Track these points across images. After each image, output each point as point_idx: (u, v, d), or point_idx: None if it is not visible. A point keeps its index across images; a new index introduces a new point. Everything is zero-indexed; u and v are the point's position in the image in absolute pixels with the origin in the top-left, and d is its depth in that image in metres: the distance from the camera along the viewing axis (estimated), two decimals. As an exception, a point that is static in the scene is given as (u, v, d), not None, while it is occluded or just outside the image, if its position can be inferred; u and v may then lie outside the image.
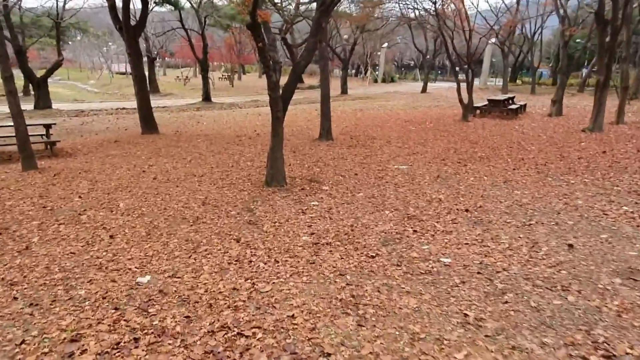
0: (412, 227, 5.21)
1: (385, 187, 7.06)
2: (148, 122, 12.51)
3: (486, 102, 18.12)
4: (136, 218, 5.61)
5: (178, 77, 46.11)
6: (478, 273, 3.87)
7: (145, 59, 33.09)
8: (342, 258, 4.34)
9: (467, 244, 4.61)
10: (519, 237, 4.77)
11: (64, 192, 6.82)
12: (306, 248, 4.62)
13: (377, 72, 49.88)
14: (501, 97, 18.26)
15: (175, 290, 3.71)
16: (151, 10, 28.63)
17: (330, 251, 4.54)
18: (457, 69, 18.92)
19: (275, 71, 6.47)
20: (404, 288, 3.62)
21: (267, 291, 3.66)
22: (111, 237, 4.99)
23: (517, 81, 44.46)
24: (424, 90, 34.73)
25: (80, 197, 6.56)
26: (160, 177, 7.76)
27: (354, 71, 59.04)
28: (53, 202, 6.27)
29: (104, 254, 4.52)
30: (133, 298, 3.59)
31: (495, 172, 8.03)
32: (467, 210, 5.80)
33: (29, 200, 6.39)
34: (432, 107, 22.37)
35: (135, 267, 4.18)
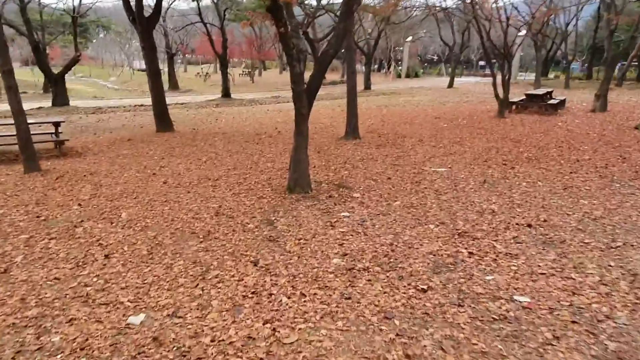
0: (465, 248, 4.28)
1: (424, 195, 6.13)
2: (163, 120, 11.81)
3: (522, 97, 16.90)
4: (138, 232, 4.82)
5: (198, 73, 45.80)
6: (573, 322, 2.93)
7: (164, 55, 32.72)
8: (384, 292, 3.45)
9: (543, 273, 3.66)
10: (610, 265, 3.79)
11: (63, 198, 6.10)
12: (339, 275, 3.75)
13: (400, 67, 48.60)
14: (540, 91, 17.01)
15: (174, 338, 2.89)
16: (170, 5, 28.14)
17: (369, 280, 3.65)
18: (492, 61, 17.66)
19: (299, 61, 5.60)
20: (476, 345, 2.71)
21: (292, 342, 2.80)
22: (106, 256, 4.20)
23: (549, 75, 42.61)
24: (450, 85, 33.43)
25: (80, 204, 5.82)
26: (170, 181, 6.98)
27: (376, 66, 57.82)
28: (49, 211, 5.54)
29: (95, 280, 3.74)
30: (119, 349, 2.77)
31: (550, 176, 7.00)
32: (529, 226, 4.83)
33: (23, 208, 5.68)
34: (462, 102, 21.19)
35: (129, 301, 3.37)
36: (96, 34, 63.18)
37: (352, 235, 4.66)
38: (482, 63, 64.74)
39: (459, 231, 4.69)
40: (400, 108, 18.84)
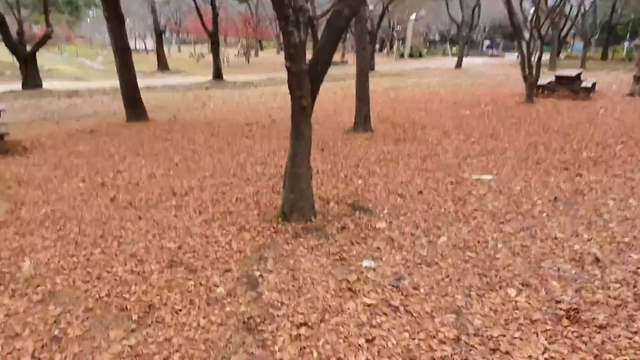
0: (593, 354, 2.43)
1: (478, 223, 4.28)
2: (134, 107, 9.86)
3: (549, 80, 14.91)
4: (34, 305, 2.96)
5: (192, 53, 43.49)
6: None
7: (152, 32, 30.44)
8: None
9: None
10: None
11: (-45, 228, 4.23)
12: None
13: (403, 47, 46.25)
14: (570, 72, 15.01)
15: None
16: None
17: None
18: (522, 38, 15.50)
19: (298, 26, 3.66)
20: None
21: None
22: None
23: (560, 55, 40.38)
24: (458, 65, 31.31)
25: (-27, 241, 3.95)
26: (121, 198, 5.10)
27: (377, 46, 55.36)
28: None
29: None
30: None
31: (639, 190, 5.14)
32: (674, 294, 2.98)
33: None
34: (476, 85, 19.16)
35: None
36: (87, 14, 60.33)
37: (384, 314, 2.81)
38: (487, 43, 62.28)
39: (564, 309, 2.83)
40: (410, 91, 16.86)
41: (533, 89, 12.93)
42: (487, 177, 5.78)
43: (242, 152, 7.24)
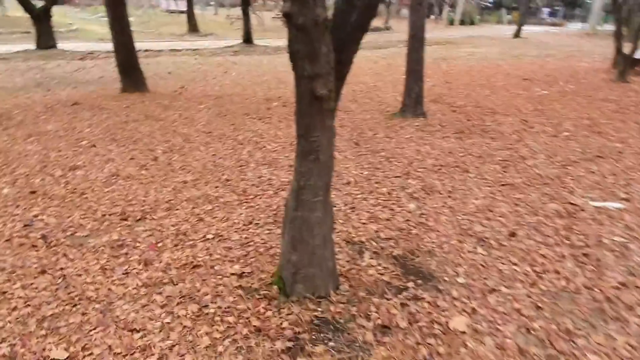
0: None
1: (629, 313, 2.26)
2: (130, 75, 8.07)
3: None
4: None
5: (229, 15, 41.51)
6: None
7: (184, -9, 28.57)
8: None
9: None
10: None
11: None
12: None
13: (453, 13, 42.47)
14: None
15: None
16: None
17: None
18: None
19: None
20: None
21: None
22: None
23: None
24: (517, 34, 27.89)
25: None
26: (45, 218, 3.34)
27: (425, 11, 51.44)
28: None
29: None
30: None
31: None
32: None
33: None
34: (543, 57, 16.33)
35: None
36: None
37: None
38: (547, 10, 56.94)
39: None
40: (465, 62, 14.37)
41: (627, 66, 10.29)
42: (615, 204, 3.67)
43: (249, 142, 5.35)
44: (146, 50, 16.79)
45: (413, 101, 6.32)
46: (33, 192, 3.84)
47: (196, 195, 3.82)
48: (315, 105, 1.94)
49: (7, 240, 3.04)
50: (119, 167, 4.53)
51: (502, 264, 2.79)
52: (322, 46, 1.82)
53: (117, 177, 4.24)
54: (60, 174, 4.32)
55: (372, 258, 2.82)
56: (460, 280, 2.60)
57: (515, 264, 2.78)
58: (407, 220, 3.36)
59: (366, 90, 9.00)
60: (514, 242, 3.06)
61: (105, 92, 8.41)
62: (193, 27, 27.27)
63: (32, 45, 17.22)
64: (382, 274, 2.65)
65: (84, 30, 27.44)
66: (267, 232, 3.17)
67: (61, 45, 17.21)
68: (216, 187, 4.02)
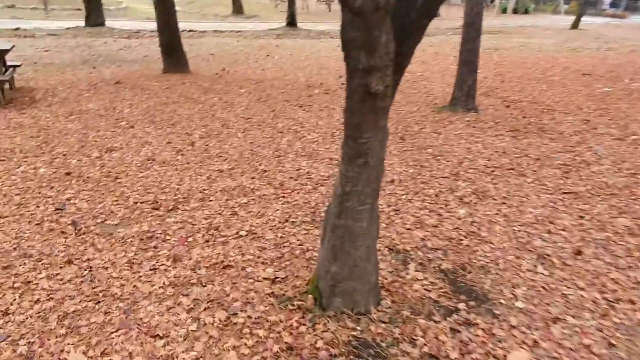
0: None
1: None
2: (172, 55, 7.99)
3: None
4: None
5: (273, -3, 41.21)
6: None
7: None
8: None
9: None
10: None
11: None
12: None
13: (506, 1, 40.59)
14: None
15: None
16: None
17: None
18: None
19: None
20: None
21: None
22: None
23: None
24: (575, 26, 26.29)
25: None
26: (77, 202, 3.24)
27: (475, -1, 49.41)
28: None
29: None
30: None
31: None
32: None
33: None
34: (602, 51, 15.25)
35: None
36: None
37: None
38: (607, 0, 53.60)
39: None
40: (517, 54, 13.57)
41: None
42: (696, 225, 3.23)
43: (289, 131, 5.13)
44: (190, 31, 16.87)
45: (465, 94, 5.91)
46: (68, 174, 3.77)
47: (231, 186, 3.64)
48: (368, 102, 1.68)
49: (37, 224, 2.96)
50: (155, 151, 4.42)
51: (567, 287, 2.46)
52: (382, 34, 1.55)
53: (152, 162, 4.12)
54: (97, 155, 4.25)
55: (417, 270, 2.55)
56: (519, 304, 2.29)
57: (582, 289, 2.45)
58: (457, 228, 3.06)
59: (412, 80, 8.60)
60: (580, 262, 2.72)
61: (147, 71, 8.38)
62: (237, 8, 27.21)
63: (82, 23, 17.59)
64: (429, 290, 2.38)
65: (133, 9, 27.88)
66: (304, 232, 2.95)
67: (109, 23, 17.50)
68: (252, 178, 3.83)
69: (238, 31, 18.26)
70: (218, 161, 4.19)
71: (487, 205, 3.42)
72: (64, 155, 4.22)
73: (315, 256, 2.66)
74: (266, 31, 18.86)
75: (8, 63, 6.69)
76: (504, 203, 3.46)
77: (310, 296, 2.27)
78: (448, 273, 2.54)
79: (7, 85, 6.55)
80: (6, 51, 6.28)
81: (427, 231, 2.99)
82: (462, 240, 2.90)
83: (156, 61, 9.39)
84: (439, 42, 15.92)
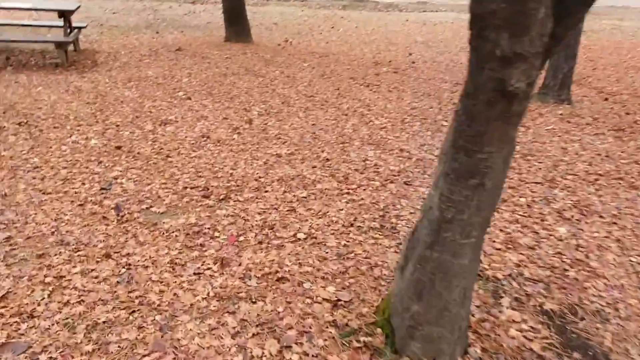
0: None
1: None
2: (235, 22, 7.62)
3: None
4: None
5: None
6: None
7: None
8: None
9: None
10: None
11: None
12: None
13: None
14: None
15: None
16: None
17: None
18: None
19: None
20: None
21: None
22: None
23: None
24: (674, 7, 23.48)
25: None
26: (120, 187, 2.97)
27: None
28: None
29: None
30: None
31: None
32: None
33: None
34: None
35: None
36: None
37: None
38: None
39: None
40: (609, 37, 12.15)
41: None
42: None
43: (354, 114, 4.65)
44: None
45: (559, 83, 5.14)
46: (118, 148, 3.52)
47: (290, 175, 3.24)
48: (499, 105, 1.19)
49: (80, 205, 2.71)
50: (211, 127, 4.09)
51: None
52: (540, 7, 1.04)
53: (206, 140, 3.80)
54: (150, 128, 3.98)
55: (513, 308, 2.06)
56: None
57: None
58: (559, 252, 2.50)
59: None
60: None
61: (209, 39, 8.09)
62: (304, -24, 26.48)
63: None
64: (529, 339, 1.89)
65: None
66: (372, 241, 2.52)
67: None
68: (313, 167, 3.41)
69: (303, 0, 17.70)
70: (276, 144, 3.80)
71: (594, 224, 2.82)
72: (117, 126, 3.99)
73: (385, 275, 2.22)
74: (332, 1, 18.14)
75: (74, 24, 6.60)
76: (614, 223, 2.85)
77: (379, 330, 1.85)
78: (554, 316, 2.03)
79: (71, 47, 6.49)
80: (71, 12, 6.14)
81: (521, 254, 2.47)
82: (567, 270, 2.35)
83: (219, 28, 9.10)
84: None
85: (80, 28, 6.76)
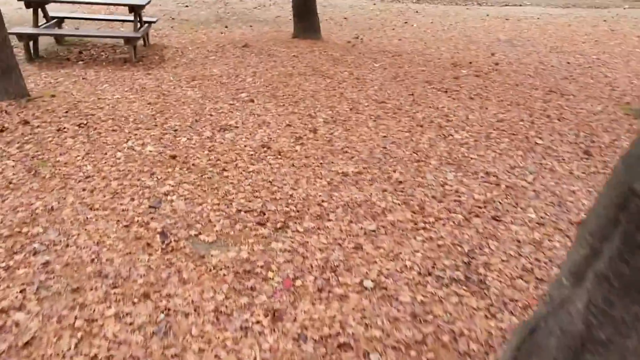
0: None
1: None
2: (304, 19, 7.27)
3: None
4: None
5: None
6: None
7: None
8: None
9: None
10: None
11: None
12: None
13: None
14: None
15: None
16: None
17: None
18: None
19: None
20: None
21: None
22: None
23: None
24: None
25: None
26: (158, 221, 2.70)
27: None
28: None
29: None
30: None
31: None
32: None
33: None
34: None
35: None
36: None
37: None
38: None
39: None
40: None
41: None
42: None
43: (430, 125, 4.14)
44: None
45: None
46: (173, 157, 3.28)
47: (357, 200, 2.83)
48: None
49: (125, 226, 2.47)
50: (272, 135, 3.77)
51: None
52: None
53: (266, 151, 3.48)
54: (209, 135, 3.73)
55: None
56: None
57: None
58: None
59: (586, 64, 6.88)
60: None
61: (277, 34, 7.82)
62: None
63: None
64: None
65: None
66: (455, 298, 2.05)
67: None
68: (384, 190, 2.98)
69: (374, -6, 17.10)
70: (343, 159, 3.41)
71: None
72: (175, 130, 3.77)
73: (474, 351, 1.77)
74: (405, -5, 17.40)
75: (145, 19, 6.56)
76: None
77: None
78: None
79: (140, 42, 6.46)
80: (141, 7, 6.08)
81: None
82: None
83: (287, 23, 8.82)
84: (613, 17, 13.16)
85: (150, 23, 6.72)
